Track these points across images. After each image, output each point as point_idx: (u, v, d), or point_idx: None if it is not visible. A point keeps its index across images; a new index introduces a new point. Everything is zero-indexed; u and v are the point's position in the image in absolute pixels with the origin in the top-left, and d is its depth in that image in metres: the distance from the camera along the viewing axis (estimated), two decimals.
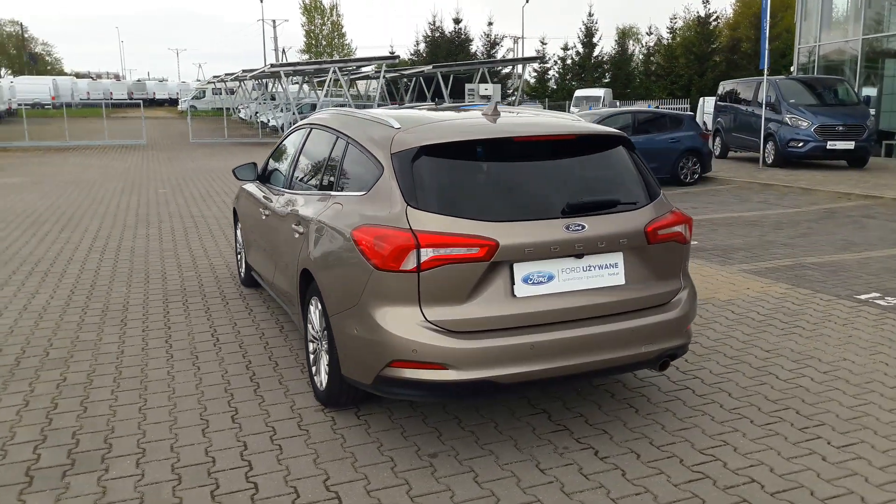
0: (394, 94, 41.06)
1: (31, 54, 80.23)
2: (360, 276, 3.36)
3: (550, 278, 3.38)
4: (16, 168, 18.82)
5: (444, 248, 3.18)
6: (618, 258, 3.53)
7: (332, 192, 4.08)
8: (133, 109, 50.71)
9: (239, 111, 42.98)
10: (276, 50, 71.07)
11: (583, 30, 47.57)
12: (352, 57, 46.24)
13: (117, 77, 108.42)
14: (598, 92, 38.75)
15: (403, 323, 3.22)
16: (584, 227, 3.39)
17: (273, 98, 37.34)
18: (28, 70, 77.06)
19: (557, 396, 4.16)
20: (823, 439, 3.63)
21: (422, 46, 45.46)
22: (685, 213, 3.84)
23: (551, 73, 49.94)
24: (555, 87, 49.05)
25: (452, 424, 3.82)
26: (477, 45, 46.67)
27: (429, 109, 4.54)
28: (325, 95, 32.03)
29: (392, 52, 39.90)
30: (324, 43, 70.92)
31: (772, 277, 6.84)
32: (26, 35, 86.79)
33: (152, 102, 58.53)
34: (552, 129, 3.75)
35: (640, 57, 50.50)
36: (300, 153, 4.95)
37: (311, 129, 4.90)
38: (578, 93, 39.53)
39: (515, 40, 66.31)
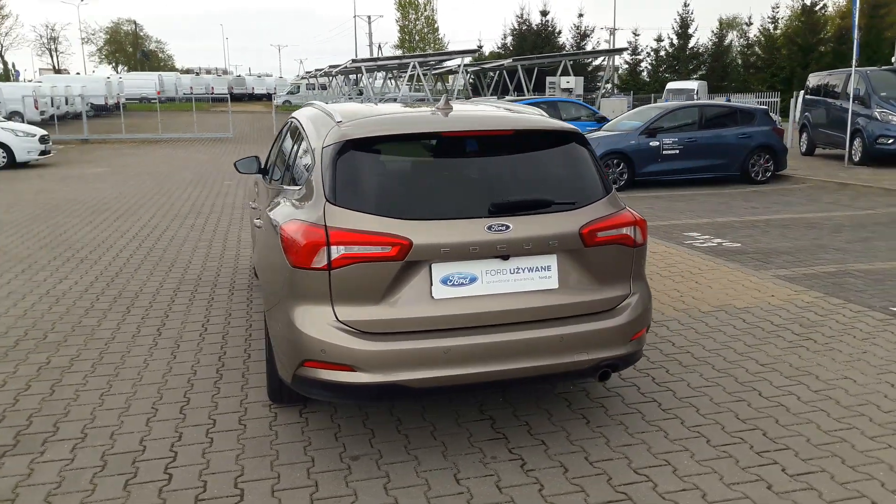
0: (479, 89, 40.95)
1: (143, 51, 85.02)
2: (282, 272, 3.32)
3: (473, 280, 3.23)
4: (103, 159, 19.94)
5: (355, 246, 3.09)
6: (551, 261, 3.33)
7: (284, 187, 4.06)
8: (233, 104, 52.85)
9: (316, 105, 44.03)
10: (369, 46, 72.31)
11: (678, 20, 45.92)
12: (436, 51, 46.35)
13: (225, 72, 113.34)
14: (692, 84, 37.27)
15: (315, 322, 3.16)
16: (508, 227, 3.21)
17: (361, 93, 38.04)
18: (141, 67, 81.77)
19: (509, 402, 3.99)
20: (780, 465, 3.31)
21: (509, 40, 45.13)
22: (637, 215, 3.58)
23: (643, 65, 48.50)
24: (647, 79, 47.61)
25: (390, 427, 3.73)
26: (566, 38, 45.90)
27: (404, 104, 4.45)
28: (413, 90, 32.46)
29: (479, 46, 39.80)
30: (417, 38, 71.62)
31: (806, 284, 6.35)
32: (141, 33, 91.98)
33: (251, 97, 60.86)
34: (489, 124, 3.58)
35: (739, 48, 48.24)
36: (280, 148, 4.97)
37: (290, 123, 4.90)
38: (670, 85, 38.18)
39: (612, 31, 64.76)
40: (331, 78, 42.62)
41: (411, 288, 3.17)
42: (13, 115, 30.50)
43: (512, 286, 3.28)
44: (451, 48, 64.66)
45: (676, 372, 4.43)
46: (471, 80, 42.92)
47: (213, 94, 54.76)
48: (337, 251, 3.09)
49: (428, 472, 3.29)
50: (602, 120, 15.28)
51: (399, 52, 65.38)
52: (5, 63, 74.56)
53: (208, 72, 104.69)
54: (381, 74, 36.36)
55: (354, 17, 67.83)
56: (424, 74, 40.42)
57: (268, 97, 60.54)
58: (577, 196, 3.45)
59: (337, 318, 3.14)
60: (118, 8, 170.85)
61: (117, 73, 78.33)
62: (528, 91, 33.84)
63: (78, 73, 66.28)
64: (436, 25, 73.01)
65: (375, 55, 60.01)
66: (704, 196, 12.01)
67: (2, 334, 5.20)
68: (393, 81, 36.99)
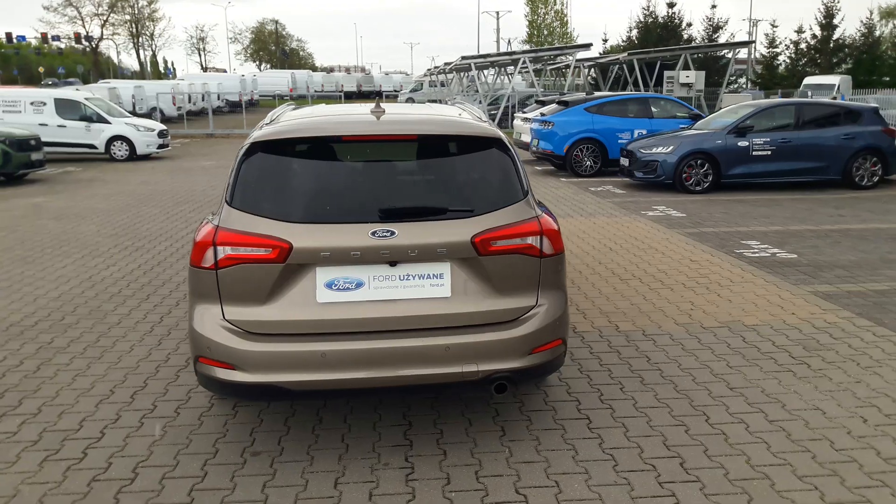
0: (599, 84, 39.93)
1: (284, 50, 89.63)
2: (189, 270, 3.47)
3: (360, 285, 3.23)
4: (218, 153, 21.20)
5: (238, 247, 3.18)
6: (444, 269, 3.27)
7: None
8: (361, 101, 54.70)
9: (446, 102, 44.62)
10: (497, 41, 72.35)
11: (821, 10, 42.63)
12: (547, 46, 45.64)
13: (362, 70, 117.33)
14: (833, 79, 34.57)
15: (206, 320, 3.28)
16: (393, 233, 3.18)
17: (477, 90, 38.20)
18: (281, 65, 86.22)
19: (435, 408, 3.94)
20: (676, 499, 3.08)
21: (633, 33, 43.67)
22: (548, 225, 3.43)
23: (781, 58, 45.45)
24: (784, 73, 44.59)
25: (309, 425, 3.80)
26: (697, 30, 43.84)
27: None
28: (529, 85, 32.16)
29: (595, 42, 38.69)
30: (545, 33, 70.94)
31: (842, 303, 5.79)
32: (283, 32, 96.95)
33: (378, 94, 62.64)
34: (394, 129, 3.54)
35: (893, 40, 44.14)
36: None
37: None
38: (808, 80, 35.59)
39: (755, 23, 61.12)
40: (445, 75, 43.04)
41: (296, 291, 3.22)
42: (153, 111, 33.23)
43: (401, 293, 3.25)
44: (579, 42, 63.44)
45: (631, 389, 4.20)
46: (592, 76, 41.95)
47: (342, 91, 56.85)
48: (223, 251, 3.19)
49: (316, 473, 3.34)
50: (696, 118, 14.50)
51: (526, 47, 64.99)
52: (156, 62, 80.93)
53: (347, 70, 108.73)
54: (492, 70, 36.30)
55: (479, 13, 67.99)
56: (540, 70, 39.92)
57: (395, 95, 62.15)
58: (480, 203, 3.36)
59: (224, 317, 3.25)
60: (263, 8, 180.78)
61: (260, 70, 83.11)
62: (649, 86, 32.63)
63: (224, 71, 71.03)
64: (565, 19, 72.02)
65: (502, 50, 59.99)
66: (793, 201, 11.16)
67: (29, 314, 5.73)
68: (505, 77, 36.81)
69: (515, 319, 3.36)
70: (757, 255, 7.55)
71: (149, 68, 77.43)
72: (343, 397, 3.85)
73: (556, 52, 29.90)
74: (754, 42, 41.59)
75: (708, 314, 5.57)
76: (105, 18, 60.55)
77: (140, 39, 65.93)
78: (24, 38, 61.93)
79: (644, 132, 14.38)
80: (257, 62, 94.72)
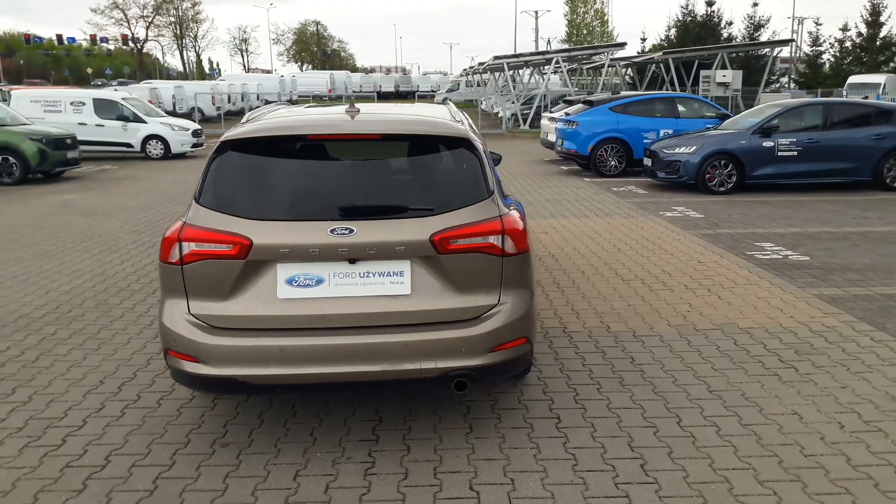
0: (636, 83, 39.45)
1: (325, 51, 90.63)
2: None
3: (320, 282, 3.29)
4: None
5: (201, 244, 3.27)
6: (404, 266, 3.31)
7: None
8: (400, 101, 55.04)
9: (481, 102, 44.55)
10: (535, 41, 72.05)
11: (867, 7, 41.50)
12: (586, 45, 45.24)
13: (404, 71, 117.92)
14: (878, 78, 33.71)
15: (173, 314, 3.37)
16: (352, 231, 3.23)
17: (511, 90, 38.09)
18: (322, 65, 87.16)
19: (407, 404, 3.98)
20: (629, 500, 3.07)
21: (672, 32, 43.04)
22: (513, 225, 3.43)
23: (825, 57, 44.37)
24: (829, 72, 43.51)
25: (282, 419, 3.87)
26: (738, 28, 43.02)
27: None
28: (565, 85, 31.95)
29: (648, 39, 38.18)
30: (584, 32, 70.49)
31: (845, 307, 5.66)
32: (325, 34, 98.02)
33: (415, 95, 62.88)
34: (358, 128, 3.58)
35: None
36: None
37: None
38: (852, 79, 34.73)
39: (801, 21, 59.76)
40: (480, 75, 42.99)
41: (257, 286, 3.29)
42: (193, 111, 33.92)
43: (361, 290, 3.30)
44: (614, 42, 62.79)
45: (608, 390, 4.18)
46: (630, 75, 41.47)
47: (380, 91, 57.25)
48: (187, 247, 3.28)
49: (279, 465, 3.40)
50: (724, 118, 14.25)
51: (565, 47, 64.55)
52: (200, 63, 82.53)
53: (387, 70, 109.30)
54: (527, 70, 36.16)
55: (516, 12, 67.82)
56: (576, 70, 39.64)
57: (431, 94, 62.34)
58: (442, 202, 3.38)
59: (189, 311, 3.34)
60: (305, 10, 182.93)
61: (301, 71, 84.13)
62: (686, 86, 32.14)
63: (269, 72, 72.10)
64: (605, 18, 71.40)
65: (540, 49, 59.66)
66: (818, 203, 10.90)
67: (39, 306, 5.94)
68: (540, 76, 36.66)
69: (477, 318, 3.38)
70: (768, 257, 7.41)
71: (194, 69, 79.06)
72: (304, 392, 3.91)
73: (589, 51, 29.66)
74: (793, 40, 40.58)
75: (704, 316, 5.49)
76: (150, 20, 62.01)
77: (184, 41, 67.33)
78: (74, 39, 63.90)
79: (670, 132, 14.20)
80: (299, 63, 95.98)
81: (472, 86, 53.10)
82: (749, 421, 3.76)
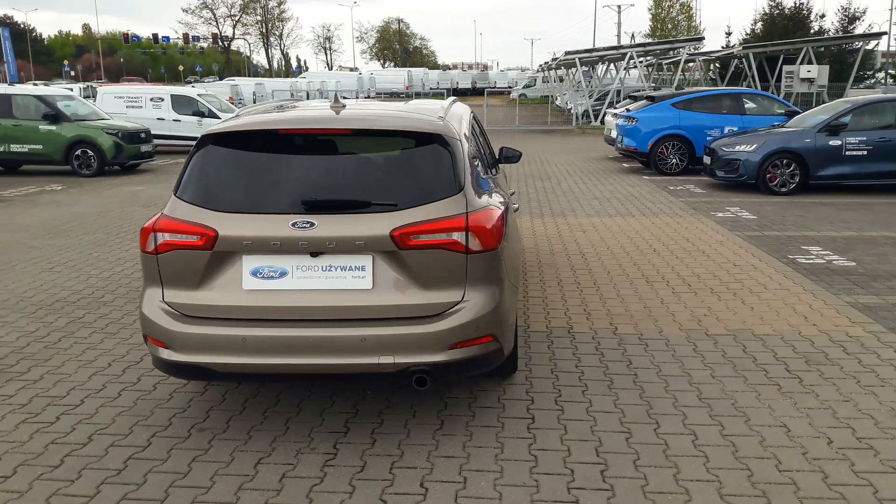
0: (718, 79, 38.09)
1: (405, 48, 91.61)
2: None
3: (283, 274, 3.36)
4: None
5: (172, 234, 3.39)
6: (365, 261, 3.33)
7: None
8: (474, 98, 55.14)
9: (556, 98, 44.07)
10: (618, 35, 70.71)
11: None
12: (662, 40, 43.93)
13: (485, 67, 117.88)
14: None
15: (150, 302, 3.51)
16: (313, 224, 3.28)
17: (589, 84, 37.56)
18: (403, 62, 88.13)
19: (388, 397, 4.01)
20: None
21: (759, 26, 41.26)
22: (481, 222, 3.40)
23: None
24: None
25: (263, 407, 3.97)
26: (831, 21, 40.85)
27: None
28: (644, 80, 31.37)
29: (734, 33, 36.77)
30: (669, 26, 68.70)
31: (878, 316, 5.33)
32: (407, 31, 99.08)
33: (493, 91, 62.86)
34: (329, 123, 3.62)
35: None
36: None
37: None
38: None
39: None
40: (555, 71, 42.51)
41: (224, 277, 3.39)
42: None
43: (323, 283, 3.35)
44: (706, 35, 60.75)
45: (594, 392, 4.09)
46: (712, 70, 40.09)
47: (457, 87, 57.43)
48: (161, 238, 3.41)
49: (245, 452, 3.50)
50: (793, 115, 13.59)
51: (649, 41, 63.00)
52: (288, 61, 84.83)
53: (470, 66, 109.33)
54: (602, 66, 35.47)
55: (595, 7, 66.66)
56: (657, 65, 38.61)
57: (508, 91, 62.12)
58: (407, 197, 3.39)
59: (163, 299, 3.47)
60: (389, 7, 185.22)
61: (383, 68, 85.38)
62: (769, 81, 30.79)
63: (356, 70, 73.55)
64: (691, 12, 69.32)
65: (610, 45, 58.39)
66: (886, 206, 10.28)
67: (77, 291, 6.29)
68: (620, 72, 35.93)
69: (440, 314, 3.37)
70: (811, 261, 7.05)
71: (279, 66, 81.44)
72: (268, 381, 3.98)
73: (665, 46, 28.85)
74: (886, 33, 38.24)
75: (720, 321, 5.29)
76: (237, 19, 64.27)
77: (269, 39, 69.44)
78: (168, 38, 66.95)
79: (735, 129, 13.68)
80: (381, 60, 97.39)
81: (548, 81, 52.65)
82: (731, 432, 3.61)
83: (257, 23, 67.02)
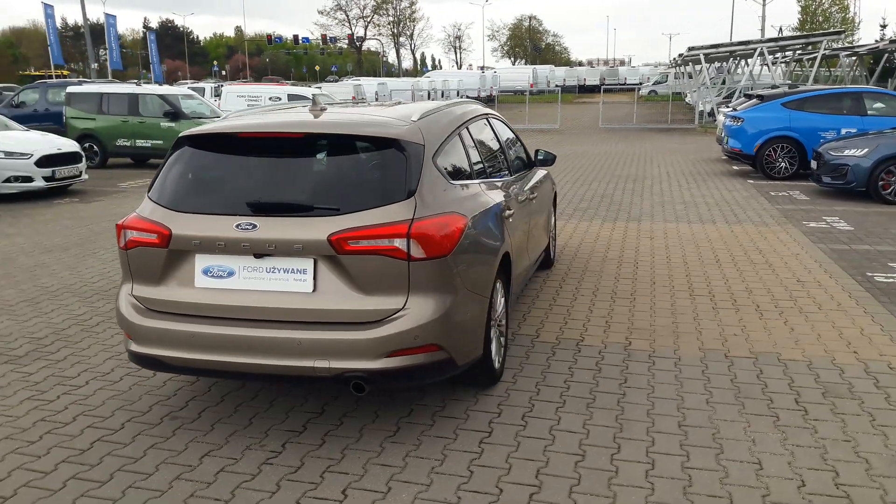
0: (866, 76, 34.92)
1: (535, 46, 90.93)
2: None
3: (231, 274, 3.44)
4: None
5: (137, 232, 3.57)
6: (307, 264, 3.36)
7: None
8: (603, 95, 53.93)
9: (686, 95, 42.09)
10: (761, 29, 66.79)
11: None
12: (795, 34, 40.76)
13: (622, 63, 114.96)
14: None
15: (122, 296, 3.72)
16: (255, 226, 3.34)
17: (724, 82, 35.70)
18: (534, 60, 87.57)
19: (360, 401, 4.01)
20: None
21: None
22: (425, 229, 3.33)
23: None
24: None
25: (238, 401, 4.10)
26: None
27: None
28: (789, 77, 29.47)
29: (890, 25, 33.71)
30: (821, 19, 64.10)
31: None
32: (539, 28, 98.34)
33: (623, 88, 61.15)
34: (285, 126, 3.66)
35: None
36: None
37: None
38: None
39: None
40: (682, 67, 40.69)
41: (180, 274, 3.52)
42: None
43: (266, 284, 3.40)
44: (862, 28, 56.17)
45: (568, 410, 3.90)
46: (860, 67, 36.88)
47: (584, 84, 56.34)
48: (129, 234, 3.60)
49: (197, 443, 3.62)
50: None
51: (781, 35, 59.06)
52: (424, 59, 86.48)
53: (607, 63, 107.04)
54: (733, 62, 33.52)
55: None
56: (796, 60, 35.99)
57: (638, 87, 60.22)
58: (352, 202, 3.37)
59: (132, 293, 3.66)
60: (520, 5, 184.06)
61: (514, 65, 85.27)
62: None
63: (484, 69, 74.00)
64: (845, 3, 64.27)
65: (738, 40, 54.93)
66: None
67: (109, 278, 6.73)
68: (748, 68, 33.84)
69: (380, 321, 3.33)
70: (890, 280, 6.35)
71: (413, 65, 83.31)
72: (217, 378, 4.07)
73: (800, 40, 26.84)
74: None
75: (749, 342, 4.88)
76: (368, 20, 66.37)
77: (399, 39, 71.18)
78: (307, 39, 70.25)
79: (853, 132, 12.53)
80: (512, 58, 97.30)
81: (680, 77, 50.51)
82: (694, 464, 3.33)
83: (389, 23, 68.95)
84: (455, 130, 4.20)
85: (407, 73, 76.06)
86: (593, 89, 58.63)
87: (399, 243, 3.29)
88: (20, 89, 22.47)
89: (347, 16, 67.05)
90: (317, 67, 75.46)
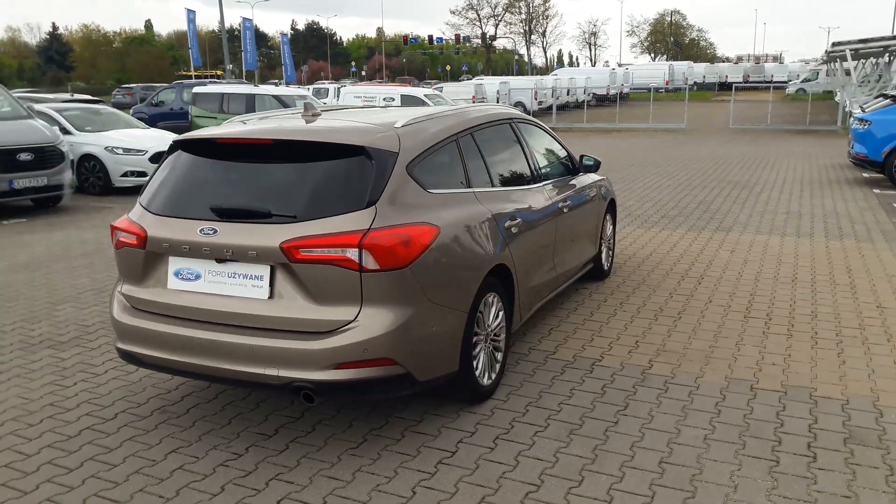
0: None
1: (677, 41, 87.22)
2: None
3: (198, 277, 3.51)
4: None
5: (121, 233, 3.72)
6: (264, 271, 3.36)
7: None
8: (745, 93, 50.97)
9: (836, 94, 38.77)
10: None
11: None
12: None
13: (774, 59, 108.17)
14: None
15: (114, 293, 3.90)
16: (216, 231, 3.39)
17: (879, 79, 32.68)
18: (675, 56, 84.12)
19: (342, 409, 3.99)
20: None
21: None
22: (380, 240, 3.23)
23: None
24: None
25: (225, 401, 4.19)
26: None
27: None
28: None
29: None
30: None
31: None
32: (683, 23, 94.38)
33: (768, 85, 57.42)
34: (256, 133, 3.66)
35: None
36: None
37: None
38: None
39: None
40: (830, 64, 37.50)
41: (156, 275, 3.64)
42: (517, 105, 35.69)
43: (227, 289, 3.45)
44: None
45: (551, 435, 3.68)
46: None
47: (725, 81, 53.45)
48: (118, 235, 3.77)
49: (172, 438, 3.73)
50: None
51: None
52: (560, 57, 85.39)
53: (757, 59, 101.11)
54: (889, 57, 30.39)
55: None
56: None
57: (785, 85, 56.33)
58: (310, 210, 3.34)
59: (121, 291, 3.82)
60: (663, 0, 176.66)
61: (653, 61, 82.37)
62: None
63: (622, 66, 72.13)
64: None
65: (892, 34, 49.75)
66: None
67: None
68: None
69: (332, 331, 3.29)
70: None
71: (549, 62, 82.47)
72: (186, 377, 4.12)
73: None
74: None
75: (786, 374, 4.40)
76: (500, 18, 66.32)
77: (531, 37, 70.63)
78: (441, 39, 71.31)
79: None
80: (652, 54, 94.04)
81: (833, 74, 46.73)
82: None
83: (521, 21, 68.61)
84: (450, 137, 4.06)
85: (539, 71, 75.34)
86: (727, 87, 55.47)
87: (351, 254, 3.23)
88: (160, 89, 24.37)
89: (478, 15, 67.42)
90: (447, 67, 76.47)
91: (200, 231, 3.43)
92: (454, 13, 73.05)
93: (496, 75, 59.47)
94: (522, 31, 70.52)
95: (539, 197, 4.88)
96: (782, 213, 9.87)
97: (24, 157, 10.22)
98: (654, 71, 54.80)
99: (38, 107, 12.77)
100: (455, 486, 3.23)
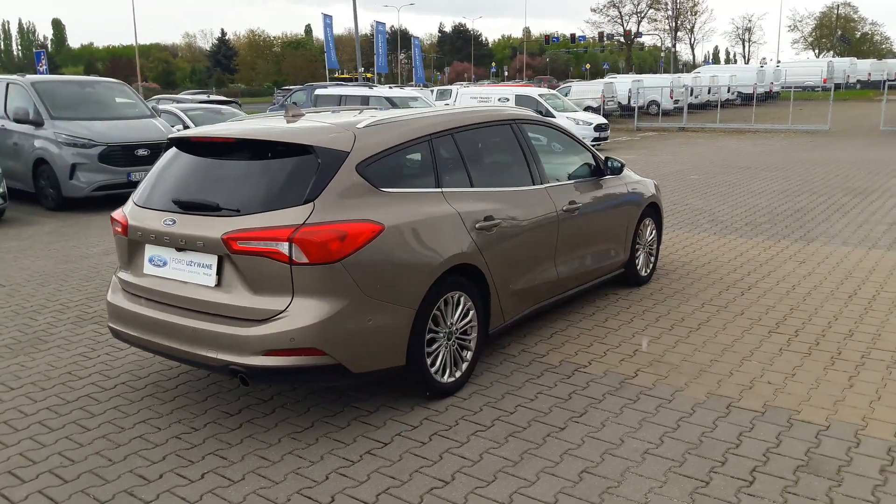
0: None
1: (843, 37, 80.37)
2: None
3: (165, 263, 3.84)
4: (657, 148, 21.14)
5: (113, 223, 4.13)
6: (212, 260, 3.62)
7: None
8: None
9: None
10: None
11: None
12: None
13: None
14: None
15: (113, 277, 4.33)
16: (174, 222, 3.69)
17: None
18: (841, 52, 77.74)
19: (326, 403, 4.20)
20: None
21: None
22: (310, 235, 3.40)
23: None
24: None
25: (220, 387, 4.52)
26: None
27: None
28: None
29: None
30: None
31: None
32: (853, 17, 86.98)
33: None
34: (221, 133, 3.91)
35: None
36: None
37: None
38: None
39: None
40: None
41: (137, 261, 4.01)
42: (650, 104, 34.55)
43: (185, 276, 3.75)
44: None
45: (491, 436, 3.68)
46: None
47: (892, 80, 48.67)
48: (114, 224, 4.18)
49: (149, 422, 4.09)
50: None
51: None
52: (694, 54, 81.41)
53: None
54: None
55: None
56: None
57: None
58: (253, 204, 3.56)
59: (118, 275, 4.24)
60: None
61: (817, 58, 76.58)
62: None
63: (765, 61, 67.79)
64: None
65: None
66: None
67: None
68: None
69: (266, 319, 3.49)
70: None
71: (705, 59, 78.80)
72: (157, 355, 4.38)
73: None
74: None
75: (776, 394, 4.11)
76: (643, 16, 64.18)
77: (677, 33, 67.81)
78: (584, 37, 70.19)
79: None
80: (816, 50, 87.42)
81: None
82: None
83: (667, 18, 66.02)
84: (421, 138, 4.14)
85: (688, 69, 72.24)
86: (877, 86, 50.41)
87: (282, 247, 3.41)
88: (294, 90, 25.86)
89: (620, 12, 65.68)
90: (587, 66, 75.11)
91: (164, 222, 3.76)
92: (595, 11, 71.72)
93: (642, 73, 57.65)
94: (668, 27, 67.94)
95: (536, 198, 4.83)
96: (884, 224, 9.01)
97: (141, 152, 11.31)
98: (810, 68, 50.86)
99: (165, 107, 14.05)
100: (367, 476, 3.33)
